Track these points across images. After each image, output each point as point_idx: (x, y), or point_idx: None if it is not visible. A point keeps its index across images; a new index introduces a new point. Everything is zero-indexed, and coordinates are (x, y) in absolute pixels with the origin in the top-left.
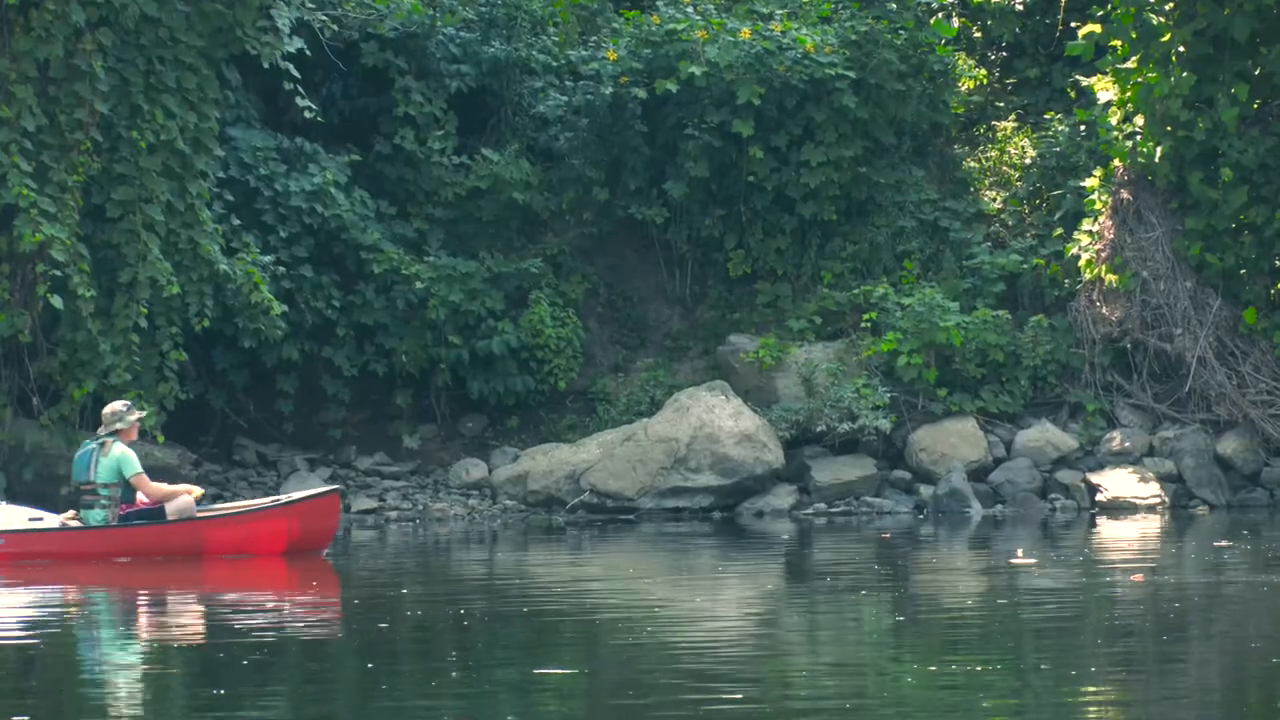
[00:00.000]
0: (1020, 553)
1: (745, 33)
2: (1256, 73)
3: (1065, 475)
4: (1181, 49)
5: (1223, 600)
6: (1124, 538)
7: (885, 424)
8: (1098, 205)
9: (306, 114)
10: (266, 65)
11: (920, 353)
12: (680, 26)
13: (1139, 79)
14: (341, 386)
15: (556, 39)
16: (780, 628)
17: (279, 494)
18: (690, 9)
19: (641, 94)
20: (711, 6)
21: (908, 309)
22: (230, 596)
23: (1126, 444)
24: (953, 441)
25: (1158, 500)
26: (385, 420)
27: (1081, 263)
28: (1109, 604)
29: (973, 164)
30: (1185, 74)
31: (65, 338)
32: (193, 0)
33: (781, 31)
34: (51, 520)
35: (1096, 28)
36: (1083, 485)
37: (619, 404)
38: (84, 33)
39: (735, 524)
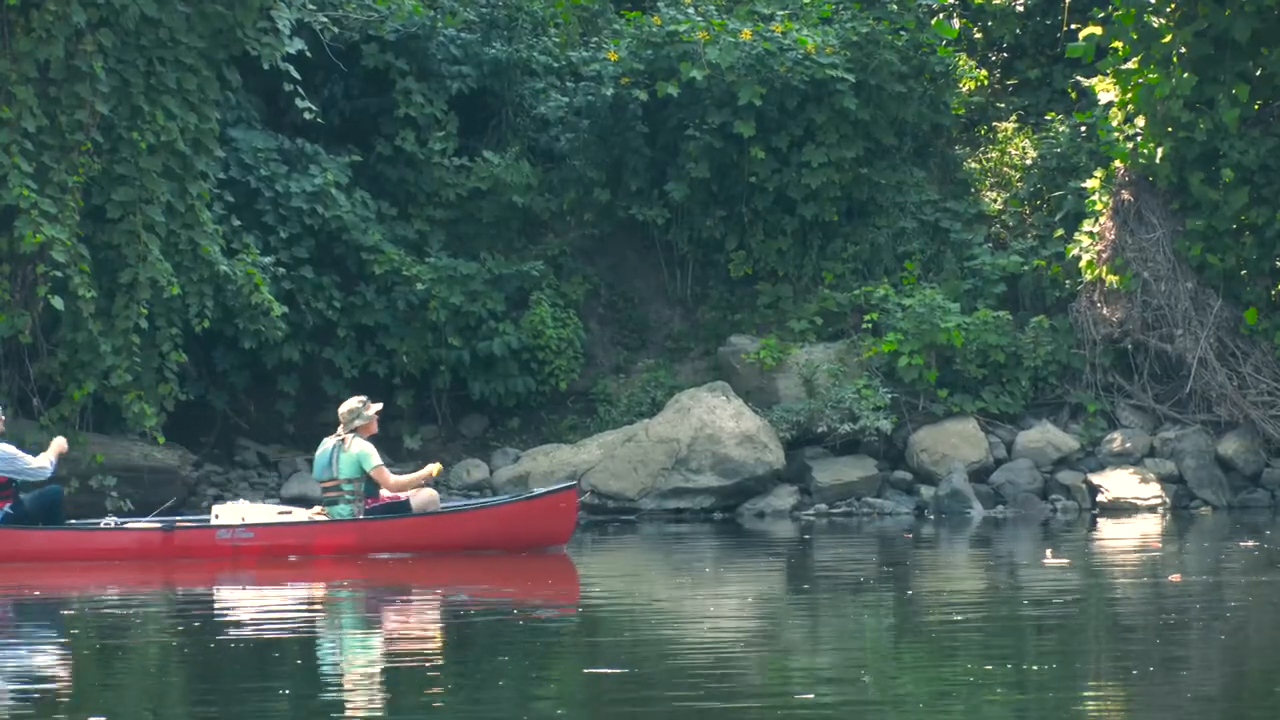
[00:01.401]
0: (1049, 553)
1: (746, 34)
2: (1257, 74)
3: (1066, 476)
4: (1182, 50)
5: (1274, 598)
6: (1140, 537)
7: (886, 425)
8: (1098, 206)
9: (307, 115)
10: (267, 66)
11: (921, 353)
12: (681, 28)
13: (1140, 80)
14: (342, 387)
15: (557, 40)
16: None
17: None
18: (691, 10)
19: (643, 95)
20: (713, 8)
21: (909, 310)
22: (470, 591)
23: (1127, 445)
24: (954, 442)
25: (1159, 501)
26: (386, 421)
27: (1082, 263)
28: (1158, 602)
29: (974, 165)
30: (1186, 75)
31: (66, 338)
32: (193, 1)
33: (782, 33)
34: (300, 514)
35: (1097, 29)
36: (1084, 486)
37: (620, 405)
38: (84, 34)
39: (736, 525)
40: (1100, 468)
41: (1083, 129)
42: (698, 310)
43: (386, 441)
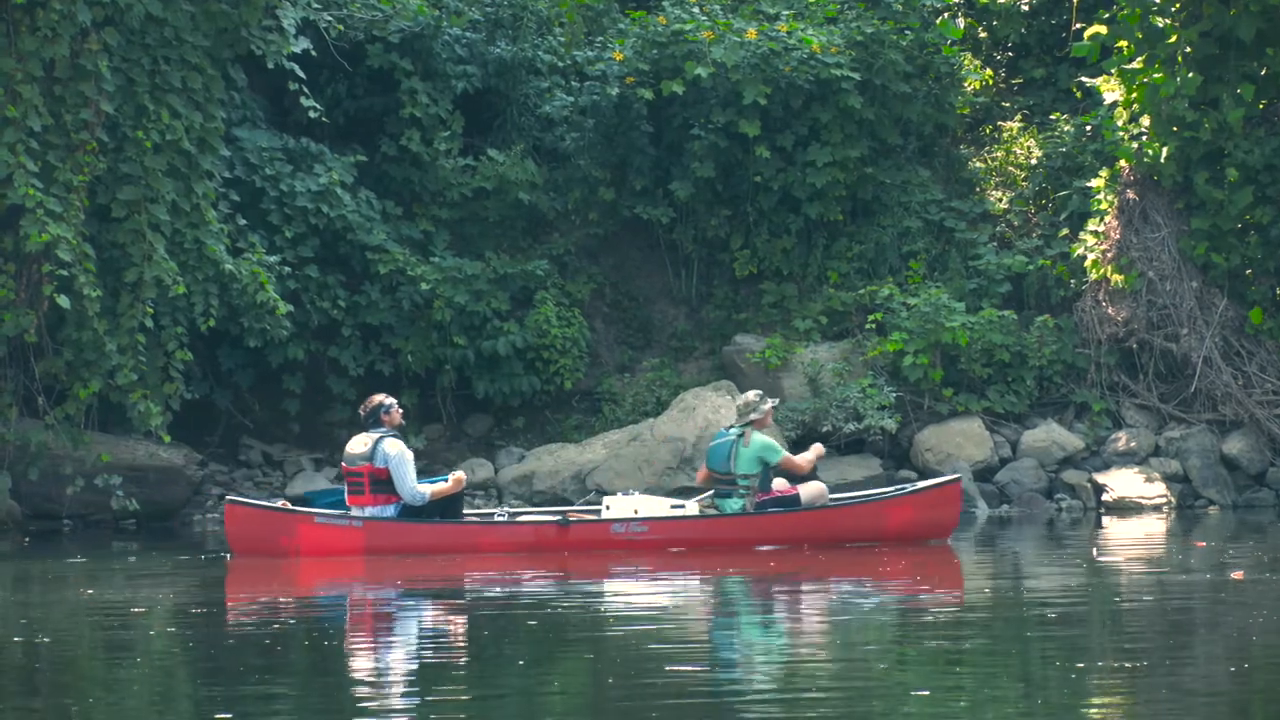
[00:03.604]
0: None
1: (751, 33)
2: (1262, 73)
3: (1071, 475)
4: (1187, 49)
5: None
6: (1174, 535)
7: (891, 424)
8: (1103, 205)
9: (312, 114)
10: (272, 65)
11: (926, 353)
12: (686, 27)
13: (1145, 79)
14: (347, 386)
15: (562, 39)
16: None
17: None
18: (696, 9)
19: (647, 94)
20: (717, 7)
21: (913, 309)
22: (856, 582)
23: (1132, 444)
24: (958, 441)
25: (1164, 500)
26: None
27: (1087, 263)
28: (1231, 598)
29: (978, 164)
30: (1191, 74)
31: (71, 337)
32: (198, 0)
33: (787, 32)
34: (692, 508)
35: (1102, 29)
36: (1088, 485)
37: (625, 404)
38: (89, 32)
39: None
40: (1105, 467)
41: (1088, 128)
42: (702, 309)
43: None
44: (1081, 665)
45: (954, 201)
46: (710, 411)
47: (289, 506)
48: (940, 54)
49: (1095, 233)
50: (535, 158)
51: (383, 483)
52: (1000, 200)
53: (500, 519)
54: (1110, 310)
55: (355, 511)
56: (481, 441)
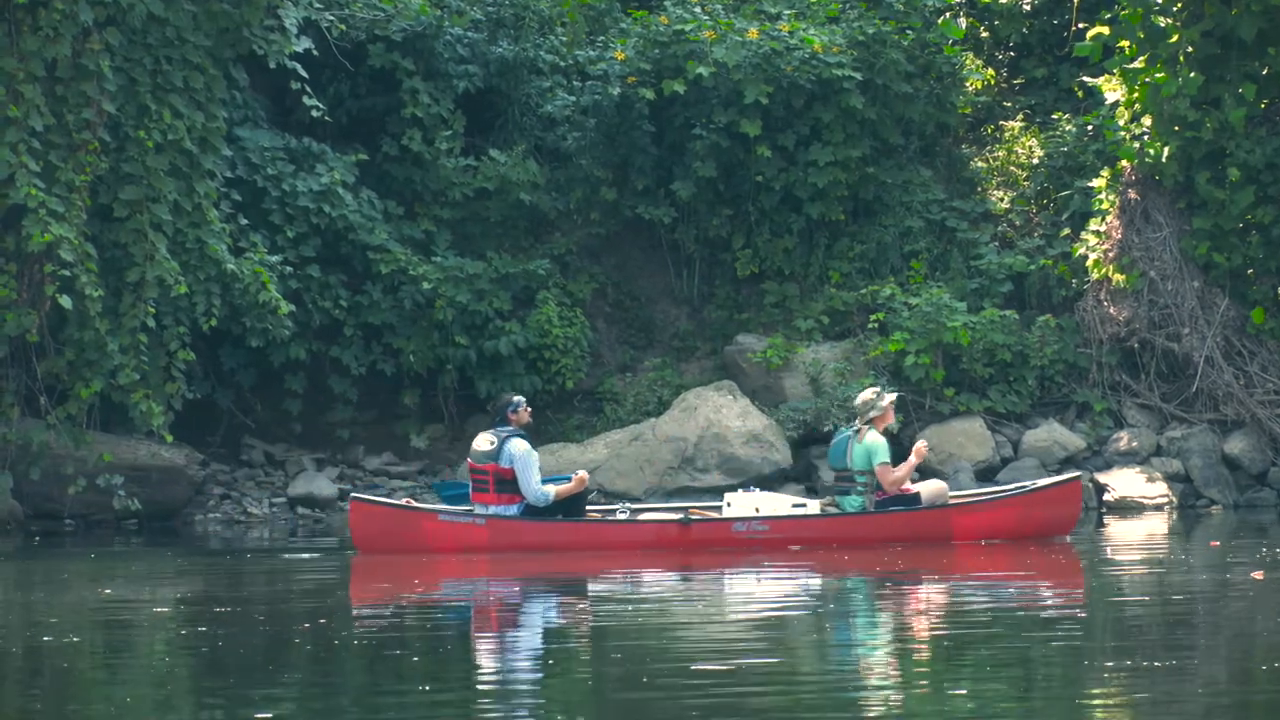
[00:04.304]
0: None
1: (753, 33)
2: (1264, 73)
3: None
4: (1189, 49)
5: None
6: (1180, 535)
7: (893, 424)
8: (1105, 205)
9: (314, 113)
10: (273, 65)
11: (927, 352)
12: (688, 26)
13: (1146, 79)
14: (349, 386)
15: (564, 39)
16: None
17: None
18: (698, 9)
19: (649, 94)
20: (719, 7)
21: (915, 309)
22: (977, 580)
23: (1134, 444)
24: (960, 441)
25: (1165, 500)
26: (393, 420)
27: (1089, 262)
28: (1252, 597)
29: (980, 164)
30: (1193, 74)
31: (73, 337)
32: (200, 0)
33: (789, 32)
34: (813, 506)
35: (1104, 28)
36: (1090, 485)
37: (626, 404)
38: (91, 32)
39: None
40: (1107, 466)
41: (1089, 128)
42: (704, 309)
43: (392, 440)
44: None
45: (955, 201)
46: (712, 411)
47: (413, 504)
48: (942, 54)
49: (1097, 232)
50: (537, 157)
51: (507, 482)
52: (1002, 200)
53: (621, 517)
54: (1112, 310)
55: (479, 509)
56: None
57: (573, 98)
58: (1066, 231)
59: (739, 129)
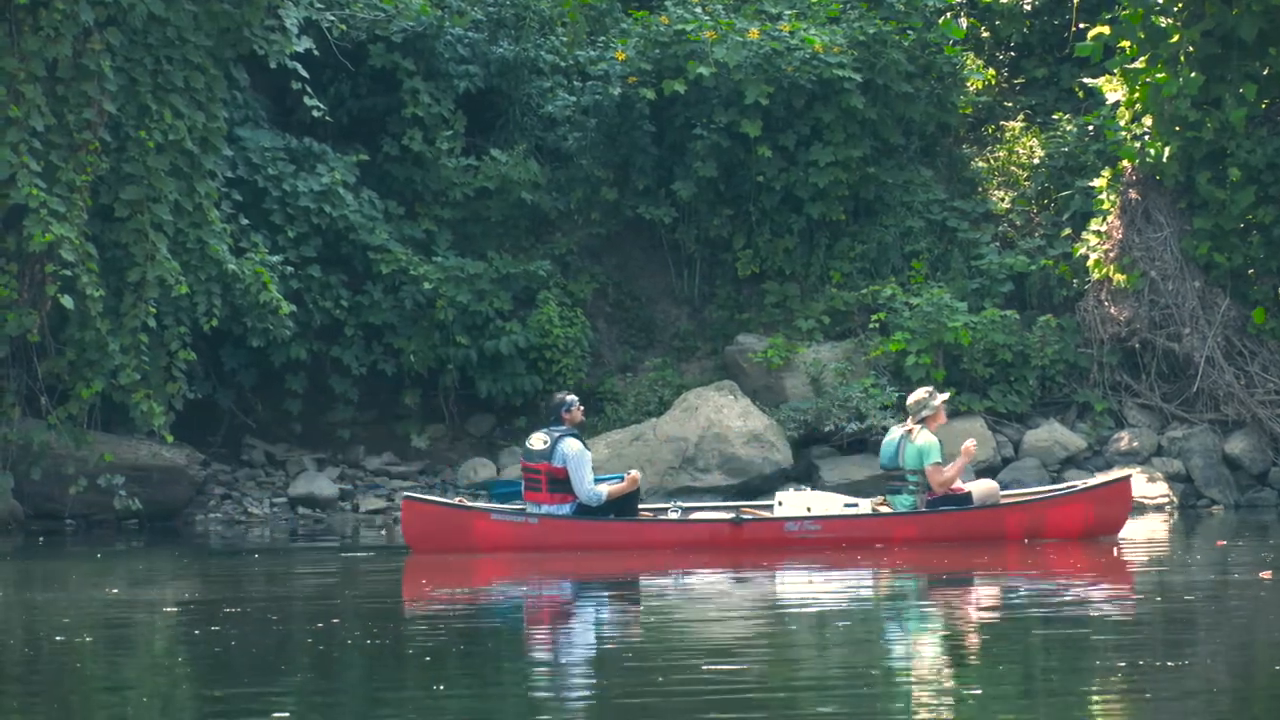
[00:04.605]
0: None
1: (753, 33)
2: (1264, 73)
3: (1073, 475)
4: (1190, 49)
5: None
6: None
7: (893, 423)
8: (1106, 205)
9: (315, 113)
10: (274, 65)
11: (928, 352)
12: (688, 27)
13: (1147, 79)
14: (349, 386)
15: (565, 39)
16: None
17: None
18: (699, 9)
19: (650, 94)
20: (720, 7)
21: (916, 309)
22: (1029, 579)
23: (1134, 444)
24: (961, 441)
25: (1166, 500)
26: (393, 420)
27: (1090, 263)
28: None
29: (981, 164)
30: (1193, 74)
31: (74, 337)
32: (200, 0)
33: (790, 32)
34: (865, 506)
35: (1105, 29)
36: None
37: (627, 404)
38: (92, 32)
39: None
40: (1107, 466)
41: (1090, 128)
42: (705, 309)
43: (393, 440)
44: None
45: (956, 201)
46: (713, 411)
47: (465, 503)
48: (942, 54)
49: (1097, 232)
50: (537, 157)
51: (560, 482)
52: (1002, 200)
53: (673, 517)
54: (1112, 310)
55: (531, 508)
56: (484, 441)
57: (573, 98)
58: (1067, 231)
59: (740, 129)
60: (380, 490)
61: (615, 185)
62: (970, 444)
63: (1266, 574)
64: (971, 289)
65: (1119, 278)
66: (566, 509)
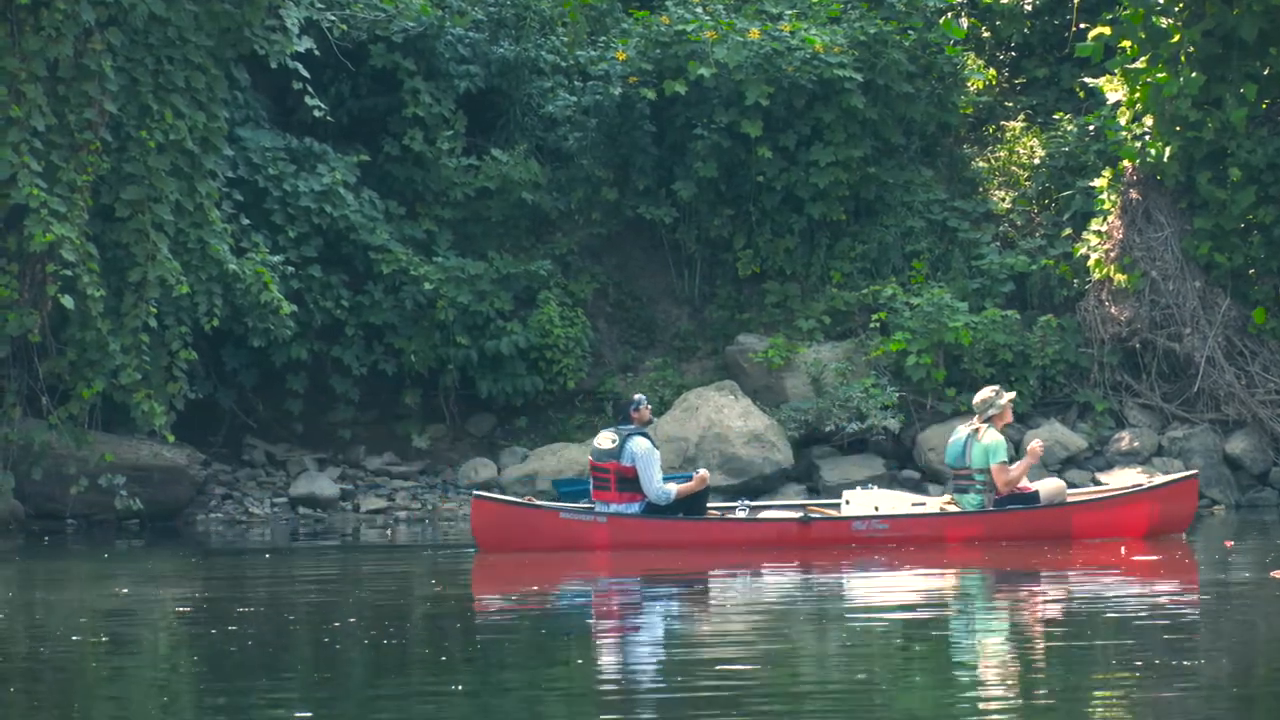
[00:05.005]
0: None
1: (754, 33)
2: (1265, 73)
3: (1074, 475)
4: (1190, 49)
5: None
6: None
7: (894, 423)
8: (1106, 205)
9: (316, 113)
10: (275, 65)
11: (929, 352)
12: (689, 27)
13: (1148, 79)
14: (350, 386)
15: (565, 39)
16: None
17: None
18: (699, 9)
19: (650, 94)
20: (720, 7)
21: (916, 309)
22: (1095, 577)
23: (1135, 444)
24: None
25: None
26: (394, 420)
27: (1090, 262)
28: None
29: (981, 164)
30: (1194, 74)
31: (75, 337)
32: (201, 0)
33: (790, 32)
34: (932, 505)
35: (1106, 29)
36: (1092, 485)
37: None
38: (93, 32)
39: None
40: (1108, 466)
41: (1090, 128)
42: (705, 309)
43: (393, 440)
44: None
45: (957, 201)
46: (713, 411)
47: (534, 501)
48: (943, 54)
49: (1098, 232)
50: (538, 157)
51: (629, 480)
52: (1003, 200)
53: (741, 515)
54: (1113, 310)
55: (600, 507)
56: (484, 441)
57: (574, 98)
58: (1068, 231)
59: (740, 129)
60: (381, 490)
61: (616, 185)
62: (1037, 444)
63: (1277, 573)
64: (972, 289)
65: (1120, 278)
66: (635, 508)
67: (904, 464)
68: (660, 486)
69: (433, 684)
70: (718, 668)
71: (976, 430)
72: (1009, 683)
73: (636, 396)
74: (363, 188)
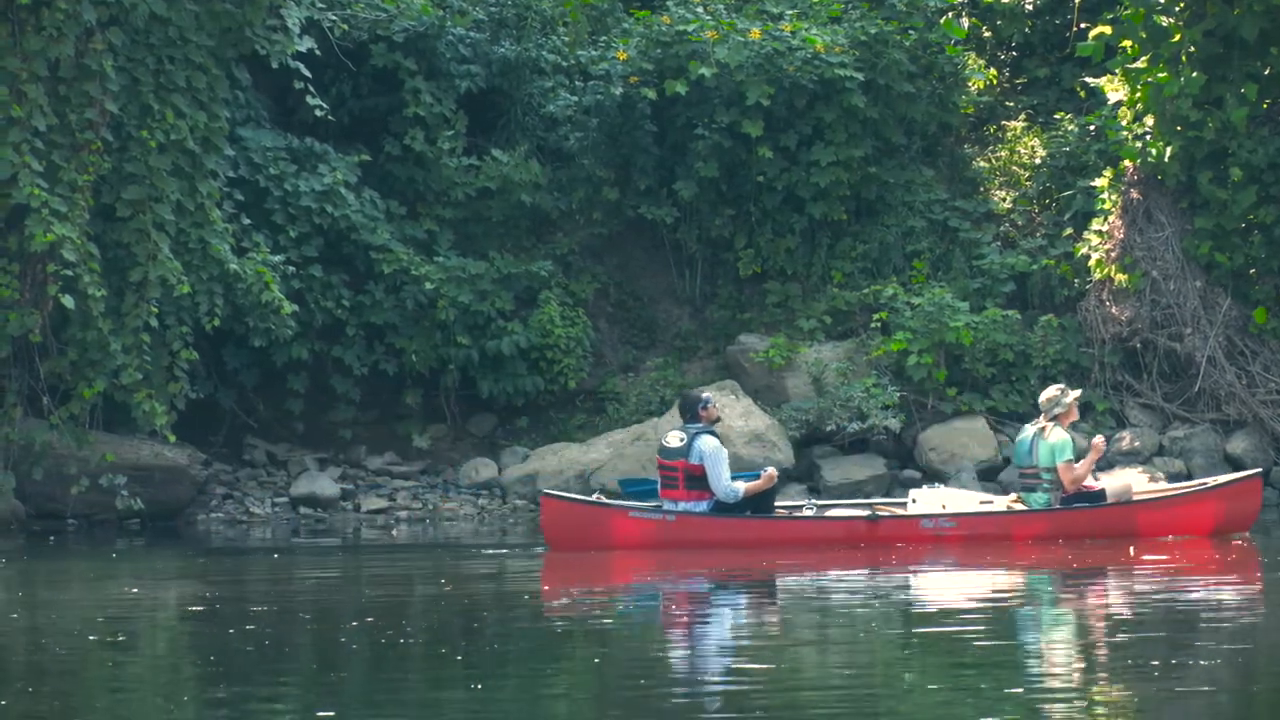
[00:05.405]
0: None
1: (755, 33)
2: (1266, 73)
3: None
4: (1191, 49)
5: None
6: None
7: (895, 423)
8: (1107, 205)
9: (318, 113)
10: (276, 65)
11: (930, 352)
12: (690, 27)
13: (1149, 79)
14: (351, 386)
15: (566, 39)
16: None
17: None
18: (700, 9)
19: (651, 94)
20: (721, 7)
21: (917, 309)
22: (1158, 576)
23: (1136, 443)
24: (963, 441)
25: None
26: (395, 420)
27: (1091, 262)
28: None
29: (982, 164)
30: (1195, 74)
31: (75, 337)
32: (202, 0)
33: (791, 32)
34: (999, 503)
35: (1106, 28)
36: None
37: (629, 403)
38: (94, 32)
39: None
40: (1109, 466)
41: (1091, 128)
42: (706, 309)
43: (394, 440)
44: None
45: (958, 201)
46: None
47: (604, 500)
48: (944, 54)
49: (1099, 232)
50: (539, 157)
51: (697, 479)
52: (1004, 200)
53: (809, 514)
54: (1114, 310)
55: (668, 505)
56: (485, 441)
57: (575, 98)
58: (1069, 231)
59: (741, 129)
60: (382, 490)
61: (617, 185)
62: (1099, 439)
63: None
64: (973, 289)
65: (1120, 277)
66: (703, 506)
67: (905, 464)
68: (729, 485)
69: (544, 686)
70: (788, 667)
71: (1043, 429)
72: (1078, 680)
73: (705, 395)
74: (364, 187)
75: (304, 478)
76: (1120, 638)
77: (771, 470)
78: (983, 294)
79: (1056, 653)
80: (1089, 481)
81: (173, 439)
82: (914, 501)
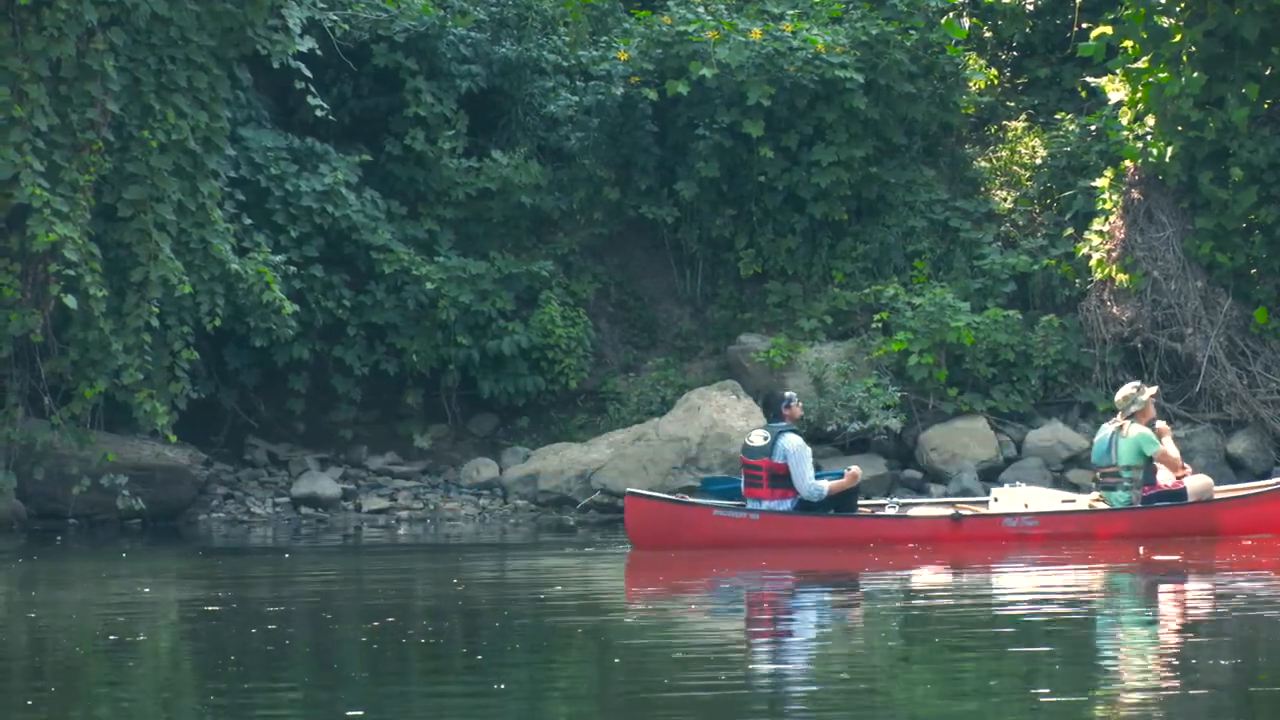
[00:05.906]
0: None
1: (756, 33)
2: (1267, 73)
3: (1076, 474)
4: (1192, 49)
5: None
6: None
7: (896, 424)
8: (1108, 205)
9: (318, 113)
10: (277, 65)
11: (931, 352)
12: (691, 27)
13: (1149, 79)
14: (352, 386)
15: (567, 39)
16: None
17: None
18: (701, 9)
19: (652, 94)
20: (722, 7)
21: (918, 309)
22: (1247, 575)
23: None
24: (964, 441)
25: None
26: (396, 420)
27: (1092, 262)
28: None
29: (983, 164)
30: (1196, 74)
31: (77, 337)
32: (203, 0)
33: (792, 32)
34: (1081, 502)
35: (1107, 28)
36: (1093, 484)
37: (629, 404)
38: (95, 32)
39: None
40: None
41: (1092, 128)
42: (707, 309)
43: (395, 440)
44: None
45: (959, 201)
46: (715, 411)
47: (688, 499)
48: (945, 54)
49: (1100, 232)
50: (540, 157)
51: (781, 478)
52: (1005, 200)
53: (892, 513)
54: (1115, 310)
55: (751, 504)
56: (486, 441)
57: (576, 98)
58: (1070, 231)
59: (742, 129)
60: (383, 490)
61: (617, 185)
62: (1162, 425)
63: None
64: (974, 289)
65: (1121, 277)
66: (787, 504)
67: (905, 464)
68: (813, 483)
69: (627, 690)
70: (877, 667)
71: (1120, 427)
72: (1162, 680)
73: (788, 394)
74: (364, 187)
75: (305, 478)
76: (1204, 639)
77: (855, 469)
78: (984, 294)
79: (1139, 653)
80: (1166, 480)
81: (174, 439)
82: (996, 500)
